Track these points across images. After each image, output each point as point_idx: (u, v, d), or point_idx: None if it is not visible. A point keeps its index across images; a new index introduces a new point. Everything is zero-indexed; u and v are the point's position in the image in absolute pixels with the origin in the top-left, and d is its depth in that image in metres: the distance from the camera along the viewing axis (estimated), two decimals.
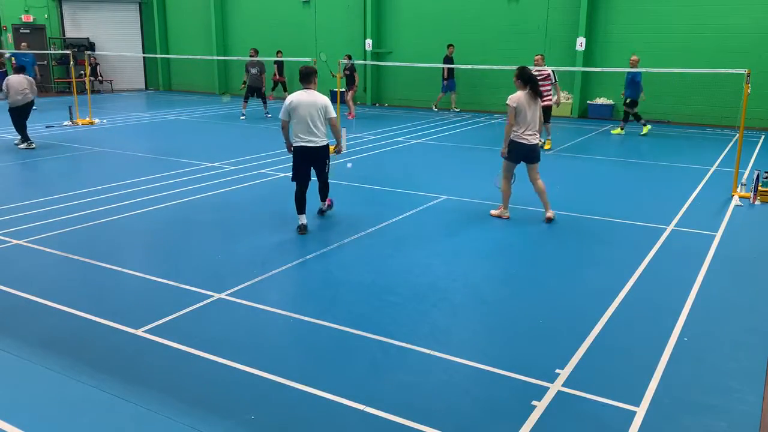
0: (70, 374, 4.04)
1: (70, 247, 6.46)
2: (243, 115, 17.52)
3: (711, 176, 10.41)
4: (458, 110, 19.68)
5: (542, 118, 7.69)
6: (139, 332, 4.61)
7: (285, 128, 7.18)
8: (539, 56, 12.92)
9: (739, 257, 6.48)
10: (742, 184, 9.00)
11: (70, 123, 15.66)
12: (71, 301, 5.12)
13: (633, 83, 14.57)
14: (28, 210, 7.81)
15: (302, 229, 7.11)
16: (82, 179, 9.79)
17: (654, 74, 16.83)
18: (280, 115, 7.15)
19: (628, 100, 14.82)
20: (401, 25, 21.04)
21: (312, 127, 6.98)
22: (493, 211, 7.84)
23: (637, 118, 15.02)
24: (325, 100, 7.06)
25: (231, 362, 4.19)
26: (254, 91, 17.30)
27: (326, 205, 7.77)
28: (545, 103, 12.34)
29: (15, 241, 6.63)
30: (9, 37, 24.17)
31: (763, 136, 14.89)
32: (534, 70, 12.26)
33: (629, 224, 7.58)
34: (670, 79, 16.89)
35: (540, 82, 12.08)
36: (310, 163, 7.19)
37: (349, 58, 17.54)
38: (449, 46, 18.81)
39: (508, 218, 7.71)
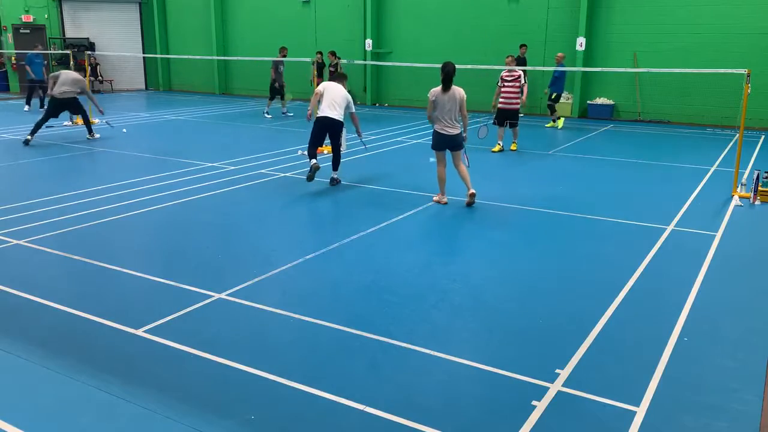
0: (70, 374, 4.04)
1: (70, 247, 6.46)
2: (288, 113, 18.12)
3: (711, 176, 10.41)
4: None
5: (464, 110, 8.13)
6: (139, 332, 4.61)
7: (317, 96, 9.31)
8: (509, 57, 12.94)
9: (739, 257, 6.48)
10: (742, 184, 8.99)
11: (70, 123, 15.65)
12: (71, 301, 5.12)
13: (557, 80, 15.84)
14: (28, 210, 7.80)
15: (311, 170, 8.91)
16: (82, 179, 9.79)
17: (654, 74, 16.86)
18: (318, 88, 9.35)
19: (553, 96, 16.04)
20: (401, 25, 21.04)
21: (334, 105, 9.18)
22: (434, 197, 8.47)
23: (552, 111, 16.22)
24: (349, 96, 9.37)
25: (231, 362, 4.19)
26: (281, 88, 17.75)
27: (337, 175, 9.41)
28: (512, 106, 12.42)
29: (15, 241, 6.63)
30: (9, 37, 24.17)
31: (763, 136, 14.89)
32: (505, 72, 12.37)
33: (630, 224, 7.57)
34: (670, 79, 16.90)
35: (509, 83, 12.31)
36: (326, 130, 9.27)
37: (333, 54, 17.69)
38: (522, 46, 17.57)
39: (446, 203, 8.27)
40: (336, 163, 9.45)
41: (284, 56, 17.69)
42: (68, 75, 13.15)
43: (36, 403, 3.77)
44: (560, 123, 16.13)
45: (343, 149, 12.23)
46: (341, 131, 9.41)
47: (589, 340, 4.55)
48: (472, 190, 8.12)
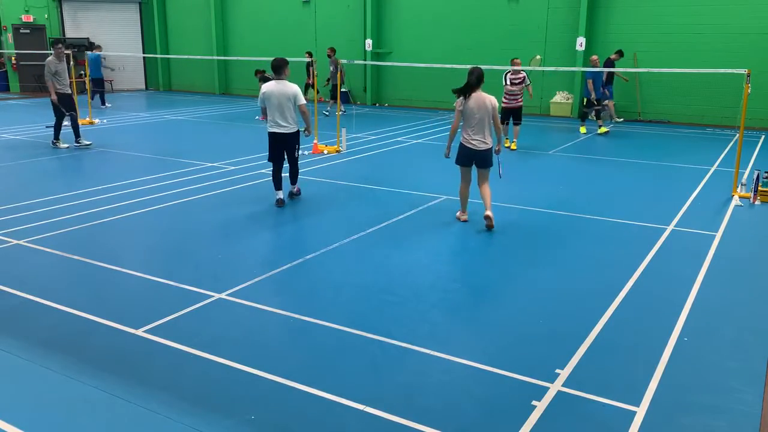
0: (70, 374, 4.04)
1: (70, 247, 6.46)
2: (343, 110, 18.26)
3: (711, 176, 10.41)
4: (621, 120, 17.39)
5: (497, 121, 7.20)
6: (139, 332, 4.61)
7: (264, 113, 8.08)
8: (517, 59, 12.91)
9: (739, 257, 6.49)
10: (742, 184, 9.00)
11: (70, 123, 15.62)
12: (71, 301, 5.12)
13: (595, 82, 14.78)
14: (28, 210, 7.80)
15: (279, 203, 8.09)
16: (82, 179, 9.79)
17: (654, 74, 16.84)
18: (258, 102, 8.11)
19: (592, 99, 14.91)
20: (401, 25, 21.04)
21: (283, 114, 7.86)
22: (457, 213, 7.65)
23: (585, 117, 15.32)
24: (294, 88, 7.86)
25: (231, 362, 4.19)
26: (335, 87, 18.10)
27: (296, 189, 8.52)
28: (517, 104, 12.71)
29: (15, 241, 6.63)
30: (9, 37, 24.16)
31: (763, 136, 14.89)
32: (510, 72, 12.55)
33: (629, 224, 7.57)
34: (670, 79, 16.90)
35: (517, 85, 12.50)
36: (282, 146, 8.05)
37: (310, 55, 17.88)
38: (618, 51, 16.23)
39: (466, 221, 7.46)
40: (294, 176, 8.41)
41: (328, 56, 18.27)
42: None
43: (36, 403, 3.77)
44: (583, 129, 15.15)
45: (343, 149, 12.25)
46: (297, 142, 8.13)
47: (589, 340, 4.55)
48: (489, 212, 7.15)
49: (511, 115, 12.77)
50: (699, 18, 16.55)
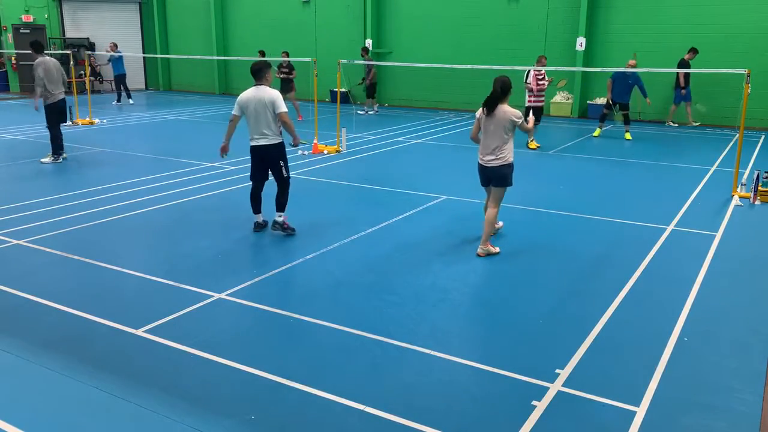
0: (70, 374, 4.04)
1: (70, 247, 6.46)
2: (374, 110, 19.29)
3: (711, 176, 10.41)
4: (697, 124, 16.71)
5: (524, 128, 6.57)
6: (139, 332, 4.61)
7: (232, 122, 6.98)
8: (543, 57, 13.06)
9: (739, 257, 6.49)
10: (742, 184, 9.00)
11: (70, 123, 15.61)
12: (71, 301, 5.12)
13: (632, 86, 14.38)
14: (28, 210, 7.80)
15: (257, 227, 7.17)
16: (82, 179, 9.78)
17: (654, 74, 16.82)
18: (233, 110, 6.92)
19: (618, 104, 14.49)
20: (401, 25, 21.04)
21: (261, 124, 6.79)
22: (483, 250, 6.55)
23: (628, 121, 14.68)
24: (272, 94, 6.75)
25: (231, 362, 4.19)
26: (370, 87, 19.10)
27: (282, 220, 7.03)
28: (542, 103, 12.86)
29: (15, 241, 6.63)
30: (9, 37, 24.15)
31: (763, 136, 14.89)
32: (534, 69, 12.61)
33: (629, 224, 7.57)
34: (670, 79, 16.88)
35: (540, 82, 12.55)
36: (264, 163, 7.02)
37: (287, 55, 17.95)
38: (691, 50, 15.80)
39: (497, 252, 6.50)
40: (281, 201, 7.06)
41: (362, 56, 18.66)
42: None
43: (36, 403, 3.77)
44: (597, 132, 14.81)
45: (343, 149, 12.24)
46: (282, 155, 7.00)
47: (589, 340, 4.56)
48: (479, 250, 6.42)
49: (533, 113, 12.17)
50: (699, 18, 16.55)
